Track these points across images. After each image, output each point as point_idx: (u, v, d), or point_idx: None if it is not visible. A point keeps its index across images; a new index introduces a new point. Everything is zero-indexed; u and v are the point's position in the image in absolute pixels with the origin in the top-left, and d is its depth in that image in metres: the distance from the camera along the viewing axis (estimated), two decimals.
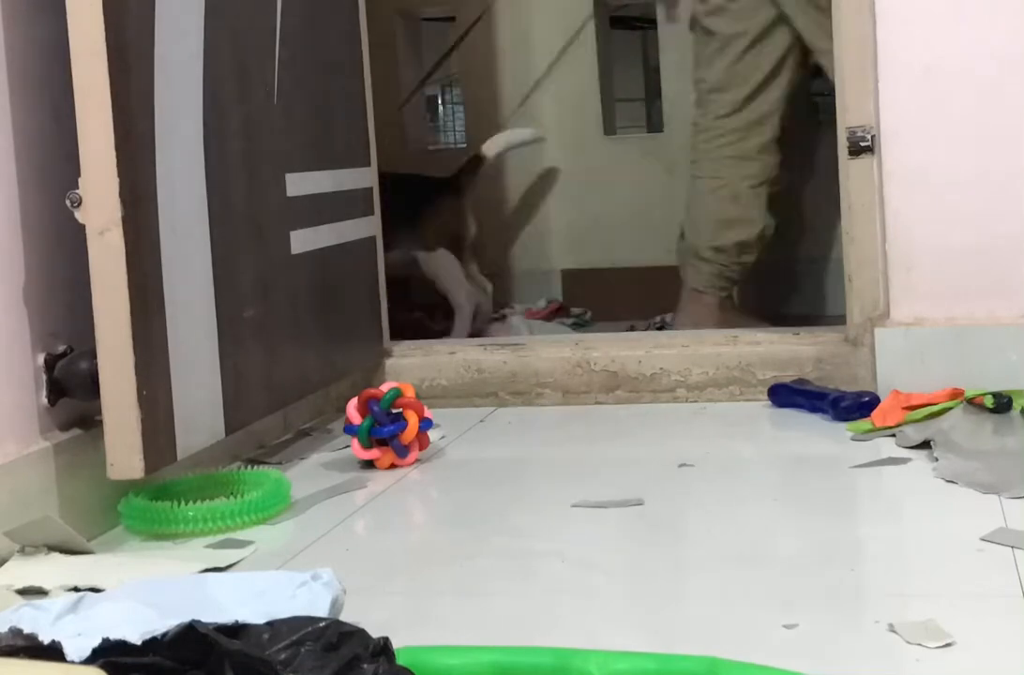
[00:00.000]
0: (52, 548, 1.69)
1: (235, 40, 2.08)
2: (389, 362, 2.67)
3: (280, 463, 2.21)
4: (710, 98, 3.20)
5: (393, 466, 2.15)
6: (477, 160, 3.51)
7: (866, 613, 1.44)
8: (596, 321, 3.63)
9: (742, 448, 2.23)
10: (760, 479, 2.02)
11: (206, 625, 1.15)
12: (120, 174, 1.73)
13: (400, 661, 1.17)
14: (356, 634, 1.17)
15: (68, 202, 1.74)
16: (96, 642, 1.16)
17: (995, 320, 2.35)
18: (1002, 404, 2.09)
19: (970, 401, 2.14)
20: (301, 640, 1.15)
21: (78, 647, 1.17)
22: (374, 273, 2.67)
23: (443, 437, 2.33)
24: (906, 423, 2.17)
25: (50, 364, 1.82)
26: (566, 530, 1.79)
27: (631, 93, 5.61)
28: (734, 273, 3.22)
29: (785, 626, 1.37)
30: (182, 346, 1.86)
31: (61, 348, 1.84)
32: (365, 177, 2.61)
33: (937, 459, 1.99)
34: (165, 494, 1.89)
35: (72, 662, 1.15)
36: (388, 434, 2.13)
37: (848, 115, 2.40)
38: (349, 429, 2.15)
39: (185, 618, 1.16)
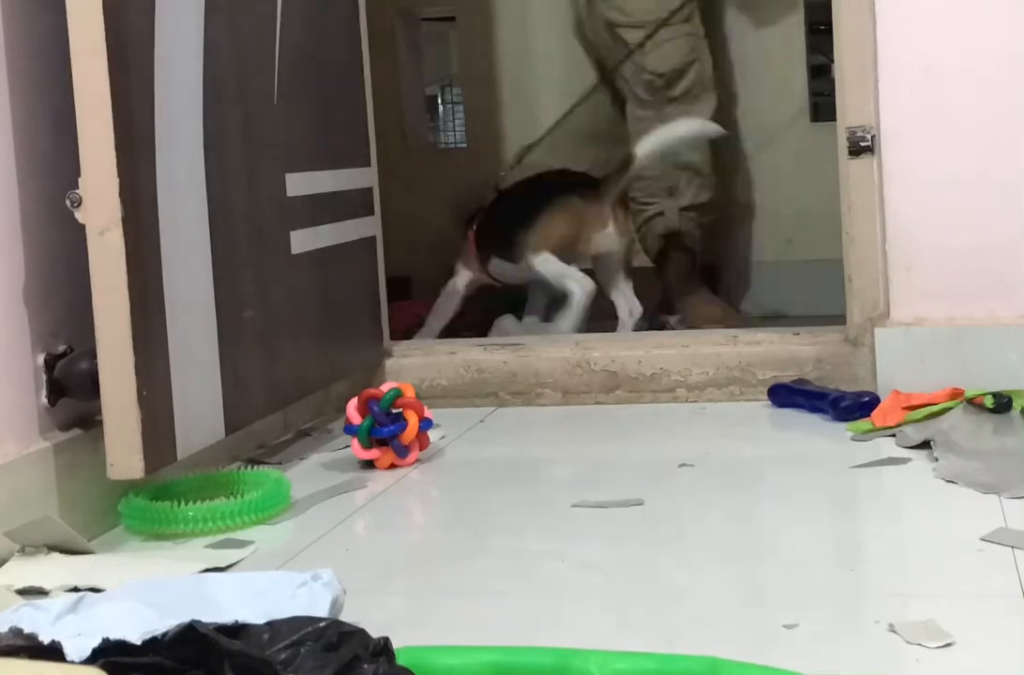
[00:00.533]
0: (52, 548, 1.69)
1: (235, 40, 2.08)
2: (389, 362, 2.66)
3: (280, 463, 2.21)
4: None
5: (393, 466, 2.15)
6: (627, 160, 3.16)
7: (866, 613, 1.44)
8: (596, 321, 3.62)
9: (742, 448, 2.23)
10: (760, 479, 2.02)
11: (206, 625, 1.15)
12: (120, 174, 1.73)
13: (400, 661, 1.17)
14: (356, 634, 1.17)
15: (68, 202, 1.74)
16: (96, 642, 1.16)
17: (995, 320, 2.35)
18: (1002, 404, 2.09)
19: (970, 401, 2.14)
20: (301, 640, 1.15)
21: (78, 647, 1.17)
22: (374, 273, 2.66)
23: (443, 437, 2.33)
24: (906, 423, 2.17)
25: (50, 364, 1.82)
26: (566, 530, 1.79)
27: None
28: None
29: (785, 626, 1.37)
30: (182, 346, 1.86)
31: (61, 348, 1.84)
32: (365, 177, 2.61)
33: (937, 459, 1.98)
34: (165, 494, 1.89)
35: (72, 662, 1.15)
36: (388, 434, 2.13)
37: (848, 115, 2.40)
38: (349, 429, 2.15)
39: (185, 618, 1.16)
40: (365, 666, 1.14)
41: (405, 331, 3.14)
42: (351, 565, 1.64)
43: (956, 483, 1.87)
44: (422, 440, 2.18)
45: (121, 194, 1.73)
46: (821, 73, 3.54)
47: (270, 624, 1.18)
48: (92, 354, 1.76)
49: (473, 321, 3.29)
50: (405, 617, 1.49)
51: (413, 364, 2.65)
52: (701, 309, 3.32)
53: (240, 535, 1.81)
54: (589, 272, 3.15)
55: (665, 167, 3.36)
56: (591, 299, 3.08)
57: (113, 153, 1.72)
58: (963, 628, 1.32)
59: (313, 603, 1.37)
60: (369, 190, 2.63)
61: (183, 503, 1.83)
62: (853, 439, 2.18)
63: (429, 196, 3.88)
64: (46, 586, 1.56)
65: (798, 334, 2.57)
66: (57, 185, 1.80)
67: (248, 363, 2.08)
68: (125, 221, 1.74)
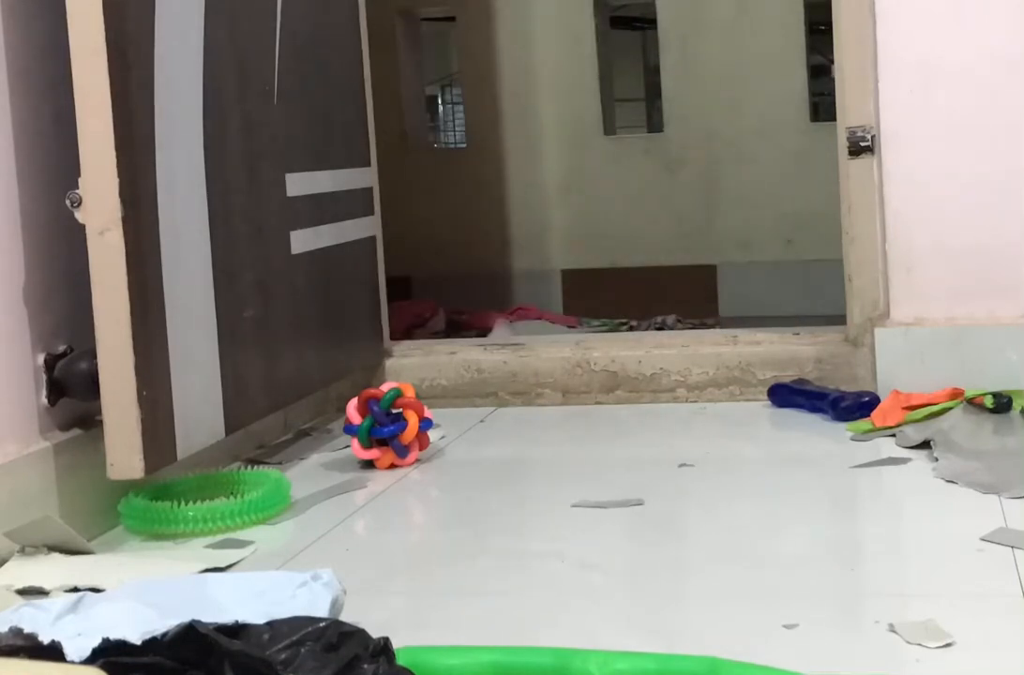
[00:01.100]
0: (52, 548, 1.69)
1: (235, 40, 2.08)
2: (389, 362, 2.66)
3: (280, 463, 2.21)
4: None
5: (393, 466, 2.15)
6: None
7: (866, 613, 1.44)
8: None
9: (742, 448, 2.23)
10: (760, 479, 2.02)
11: (206, 625, 1.15)
12: (120, 174, 1.73)
13: (400, 661, 1.17)
14: (356, 634, 1.17)
15: (68, 202, 1.74)
16: (96, 642, 1.16)
17: (995, 320, 2.35)
18: (1002, 404, 2.10)
19: (970, 401, 2.14)
20: (301, 640, 1.15)
21: (78, 647, 1.17)
22: (374, 273, 2.67)
23: (443, 437, 2.33)
24: (906, 423, 2.17)
25: (50, 364, 1.82)
26: (566, 530, 1.79)
27: (631, 93, 5.62)
28: None
29: (785, 626, 1.37)
30: (182, 346, 1.86)
31: (61, 348, 1.84)
32: (365, 177, 2.61)
33: (937, 459, 1.99)
34: (165, 494, 1.89)
35: (72, 662, 1.15)
36: (388, 434, 2.13)
37: (848, 115, 2.40)
38: (349, 429, 2.15)
39: (185, 618, 1.16)
40: (365, 666, 1.14)
41: (405, 331, 3.14)
42: (351, 565, 1.64)
43: (956, 483, 1.87)
44: (422, 440, 2.18)
45: (121, 194, 1.73)
46: (821, 73, 3.55)
47: (270, 624, 1.18)
48: (92, 354, 1.76)
49: None
50: (405, 617, 1.49)
51: (413, 364, 2.65)
52: None
53: (240, 535, 1.81)
54: None
55: None
56: None
57: (113, 153, 1.72)
58: (963, 628, 1.32)
59: (313, 603, 1.37)
60: (369, 190, 2.63)
61: (183, 503, 1.83)
62: (853, 439, 2.18)
63: (429, 196, 3.89)
64: (46, 586, 1.56)
65: (798, 334, 2.57)
66: (57, 185, 1.80)
67: (248, 363, 2.08)
68: (125, 221, 1.74)
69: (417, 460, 2.18)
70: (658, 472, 2.06)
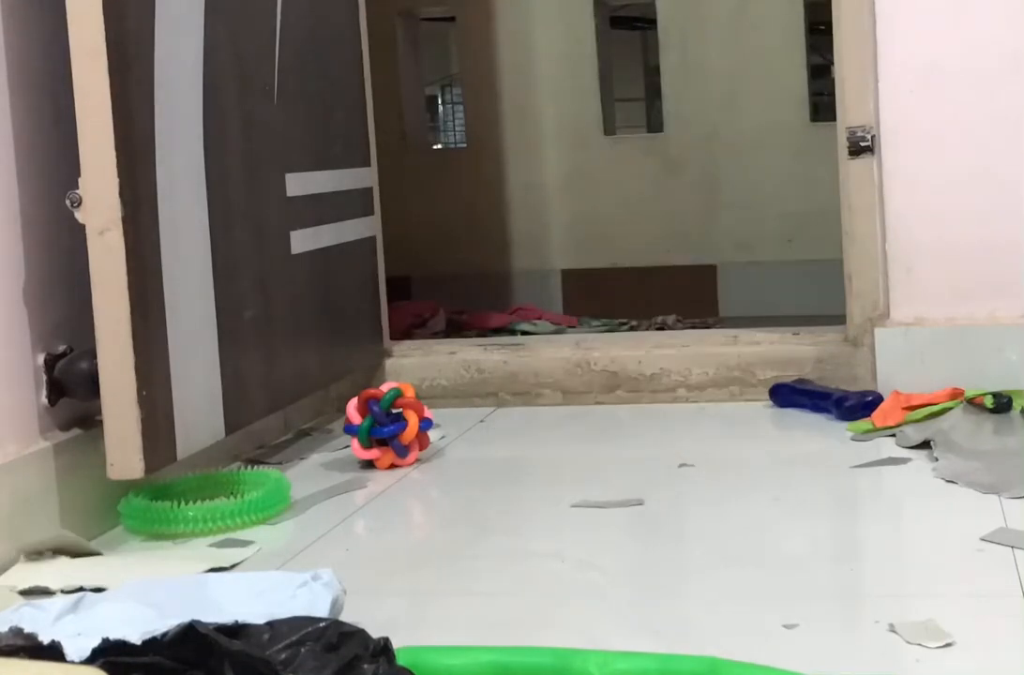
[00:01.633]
0: (58, 551, 1.68)
1: (235, 40, 2.08)
2: (389, 362, 2.66)
3: (280, 463, 2.21)
4: None
5: (393, 466, 2.15)
6: None
7: (866, 613, 1.44)
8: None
9: (742, 448, 2.23)
10: (760, 479, 2.02)
11: (206, 625, 1.15)
12: (120, 174, 1.73)
13: (400, 661, 1.17)
14: (356, 634, 1.17)
15: (68, 202, 1.74)
16: (96, 642, 1.16)
17: (995, 320, 2.35)
18: (1002, 404, 2.09)
19: (970, 401, 2.14)
20: (301, 640, 1.15)
21: (78, 647, 1.17)
22: (374, 273, 2.66)
23: (443, 437, 2.33)
24: (906, 423, 2.17)
25: (50, 364, 1.82)
26: (566, 530, 1.79)
27: (631, 93, 5.62)
28: None
29: (785, 626, 1.37)
30: (182, 346, 1.86)
31: (61, 348, 1.84)
32: (365, 177, 2.61)
33: (937, 459, 1.99)
34: (165, 494, 1.88)
35: (72, 662, 1.15)
36: (388, 434, 2.13)
37: (848, 115, 2.40)
38: (349, 429, 2.15)
39: (185, 618, 1.16)
40: (365, 666, 1.14)
41: (405, 331, 3.14)
42: (351, 565, 1.64)
43: (956, 483, 1.87)
44: (422, 440, 2.18)
45: (121, 194, 1.73)
46: (821, 73, 3.55)
47: (270, 624, 1.18)
48: (92, 354, 1.76)
49: None
50: (405, 617, 1.49)
51: (413, 364, 2.65)
52: None
53: (240, 535, 1.80)
54: None
55: None
56: None
57: (113, 153, 1.72)
58: (963, 628, 1.32)
59: (313, 603, 1.37)
60: (369, 190, 2.63)
61: (183, 503, 1.83)
62: (853, 439, 2.18)
63: (429, 196, 3.89)
64: (51, 586, 1.56)
65: (798, 334, 2.57)
66: (57, 185, 1.80)
67: (248, 363, 2.08)
68: (125, 221, 1.74)
69: (417, 460, 2.18)
70: (658, 472, 2.06)
